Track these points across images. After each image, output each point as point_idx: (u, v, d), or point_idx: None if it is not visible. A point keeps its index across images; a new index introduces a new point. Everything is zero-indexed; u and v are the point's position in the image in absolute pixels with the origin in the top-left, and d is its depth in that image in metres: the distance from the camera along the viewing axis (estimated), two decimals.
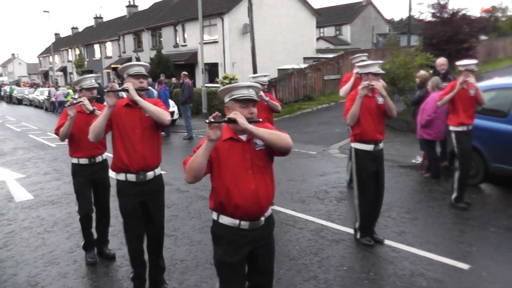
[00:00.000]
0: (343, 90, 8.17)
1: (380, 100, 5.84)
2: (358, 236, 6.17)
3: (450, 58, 15.73)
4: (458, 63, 7.40)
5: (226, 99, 3.37)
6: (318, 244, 6.19)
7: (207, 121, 3.06)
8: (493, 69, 27.30)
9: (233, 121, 3.12)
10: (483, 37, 35.31)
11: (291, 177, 9.76)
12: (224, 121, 3.11)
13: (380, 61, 6.24)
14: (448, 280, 5.09)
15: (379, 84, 5.77)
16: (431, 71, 11.99)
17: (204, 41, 24.97)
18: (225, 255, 3.38)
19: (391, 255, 5.78)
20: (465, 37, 21.94)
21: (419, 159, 10.03)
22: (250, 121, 3.21)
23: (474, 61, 7.21)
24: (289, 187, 8.98)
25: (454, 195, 7.39)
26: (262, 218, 3.41)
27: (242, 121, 3.13)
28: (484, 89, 8.55)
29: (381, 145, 5.97)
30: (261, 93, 7.17)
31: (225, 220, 3.37)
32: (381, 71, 5.96)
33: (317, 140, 14.64)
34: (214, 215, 3.44)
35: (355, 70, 7.94)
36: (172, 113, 18.30)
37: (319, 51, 38.11)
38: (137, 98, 4.48)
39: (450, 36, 21.23)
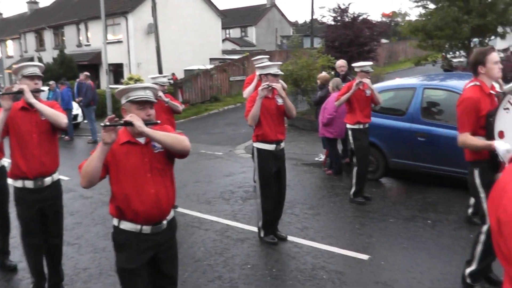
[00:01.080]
0: (247, 91, 8.19)
1: (280, 101, 5.88)
2: (262, 234, 6.18)
3: (352, 60, 16.31)
4: (353, 64, 7.68)
5: (123, 101, 3.25)
6: (223, 244, 6.14)
7: (102, 124, 2.94)
8: (394, 71, 28.62)
9: (129, 124, 3.03)
10: (384, 41, 36.96)
11: (198, 179, 9.66)
12: (120, 124, 3.01)
13: (279, 63, 6.30)
14: (348, 271, 5.22)
15: (279, 85, 5.80)
16: (332, 73, 12.34)
17: (108, 41, 24.24)
18: (126, 261, 3.27)
19: (294, 250, 5.83)
20: (366, 40, 22.83)
21: (321, 157, 10.28)
22: (148, 123, 3.12)
23: (369, 63, 7.53)
24: (196, 189, 8.87)
25: (352, 190, 7.61)
26: (164, 222, 3.34)
27: (138, 123, 3.03)
28: (383, 89, 8.93)
29: (282, 144, 6.01)
30: (161, 94, 7.03)
31: (126, 225, 3.26)
32: (280, 72, 6.00)
33: (224, 141, 14.63)
34: (115, 221, 3.32)
35: (257, 72, 8.00)
36: (75, 116, 17.57)
37: (225, 52, 38.24)
38: (33, 100, 4.26)
39: (351, 39, 22.00)
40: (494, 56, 4.36)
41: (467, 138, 4.30)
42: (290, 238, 6.17)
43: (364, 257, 5.55)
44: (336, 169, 9.39)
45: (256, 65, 6.89)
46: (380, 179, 8.90)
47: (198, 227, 6.80)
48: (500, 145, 4.04)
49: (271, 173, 5.93)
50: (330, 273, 5.15)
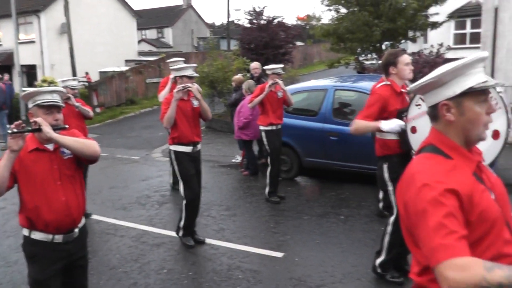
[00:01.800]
0: (162, 94, 8.13)
1: (195, 103, 5.89)
2: (180, 234, 6.14)
3: (268, 62, 16.57)
4: (265, 67, 7.80)
5: (30, 105, 3.15)
6: (139, 250, 6.05)
7: (9, 131, 2.82)
8: (309, 73, 29.38)
9: (37, 129, 2.93)
10: (299, 43, 37.79)
11: (114, 184, 9.45)
12: (28, 131, 2.90)
13: (194, 65, 6.30)
14: (263, 269, 5.32)
15: (194, 87, 5.82)
16: (248, 75, 12.51)
17: (20, 41, 23.25)
18: (38, 272, 3.17)
19: (210, 252, 5.86)
20: (281, 43, 23.28)
21: (238, 158, 10.37)
22: (55, 128, 3.04)
23: (280, 65, 7.69)
24: (111, 195, 8.67)
25: (267, 190, 7.75)
26: (76, 230, 3.27)
27: (46, 129, 2.94)
28: (297, 91, 9.16)
29: (198, 146, 6.02)
30: (72, 98, 6.84)
31: (37, 235, 3.16)
32: (195, 74, 6.02)
33: (140, 145, 14.41)
34: (25, 231, 3.20)
35: (172, 74, 7.95)
36: None
37: (141, 53, 37.58)
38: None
39: (267, 42, 22.36)
40: (405, 58, 4.59)
41: (357, 122, 4.47)
42: (207, 240, 6.18)
43: (279, 254, 5.67)
44: (252, 170, 9.52)
45: (171, 67, 6.85)
46: (295, 178, 9.12)
47: (113, 234, 6.66)
48: (385, 124, 4.29)
49: (192, 174, 5.93)
50: (246, 273, 5.22)
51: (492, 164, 4.86)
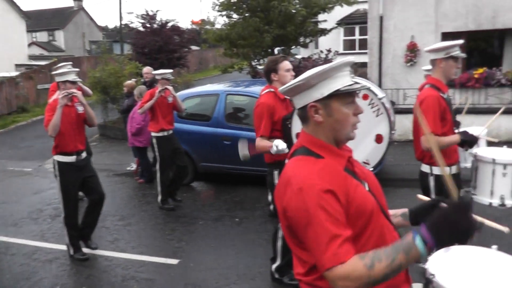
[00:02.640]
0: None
1: (80, 109, 5.76)
2: (71, 252, 6.02)
3: (163, 67, 16.48)
4: (154, 72, 7.79)
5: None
6: (31, 267, 5.84)
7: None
8: (204, 77, 29.41)
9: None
10: (194, 48, 37.71)
11: (4, 199, 9.01)
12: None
13: (76, 69, 6.13)
14: (158, 277, 5.36)
15: (79, 93, 5.71)
16: (142, 80, 12.41)
17: None
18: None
19: (105, 264, 5.81)
20: (176, 47, 23.19)
21: (133, 166, 10.27)
22: None
23: (170, 70, 7.71)
24: (2, 211, 8.25)
25: (159, 198, 7.76)
26: (83, 154, 3.17)
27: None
28: (190, 96, 9.25)
29: (83, 154, 5.87)
30: None
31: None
32: (78, 79, 5.89)
33: (32, 156, 13.77)
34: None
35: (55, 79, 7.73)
36: None
37: (32, 57, 35.83)
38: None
39: (161, 46, 22.19)
40: (286, 64, 4.67)
41: (259, 141, 4.60)
42: (101, 252, 6.11)
43: (174, 261, 5.74)
44: (147, 177, 9.48)
45: (53, 73, 6.66)
46: (191, 183, 9.20)
47: (4, 253, 6.37)
48: (279, 144, 4.38)
49: (73, 187, 5.81)
50: (141, 282, 5.24)
51: (378, 165, 5.26)
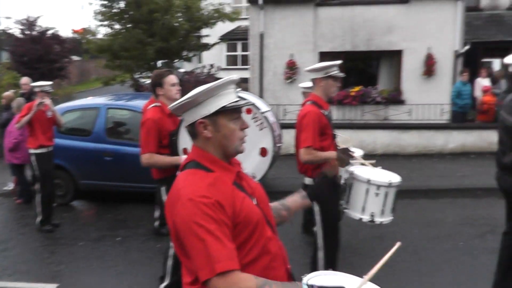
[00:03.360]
0: None
1: None
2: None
3: (44, 78, 15.73)
4: (32, 84, 7.41)
5: None
6: None
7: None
8: (86, 90, 28.34)
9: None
10: (76, 58, 36.27)
11: None
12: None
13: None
14: None
15: None
16: (20, 91, 11.72)
17: None
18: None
19: None
20: (56, 57, 22.26)
21: (11, 186, 9.65)
22: None
23: (49, 83, 7.33)
24: None
25: (39, 219, 7.35)
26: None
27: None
28: (69, 109, 8.91)
29: None
30: None
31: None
32: None
33: None
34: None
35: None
36: None
37: None
38: None
39: (41, 55, 21.24)
40: (171, 79, 4.68)
41: (151, 157, 4.52)
42: None
43: (52, 286, 5.52)
44: (26, 197, 8.95)
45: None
46: (71, 202, 8.85)
47: None
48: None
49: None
50: None
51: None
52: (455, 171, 10.51)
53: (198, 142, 2.08)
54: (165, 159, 4.55)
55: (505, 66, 4.69)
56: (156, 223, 7.04)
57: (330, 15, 14.43)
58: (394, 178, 4.44)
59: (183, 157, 4.41)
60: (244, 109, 5.21)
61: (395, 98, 14.38)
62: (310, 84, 4.97)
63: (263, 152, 5.59)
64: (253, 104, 5.38)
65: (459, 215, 7.82)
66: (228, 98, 2.03)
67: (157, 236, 6.88)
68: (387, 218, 4.41)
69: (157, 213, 6.90)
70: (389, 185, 4.32)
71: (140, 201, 8.37)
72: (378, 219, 4.35)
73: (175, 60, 17.83)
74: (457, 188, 9.26)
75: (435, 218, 7.64)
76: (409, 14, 14.14)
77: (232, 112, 2.04)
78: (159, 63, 17.13)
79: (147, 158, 4.54)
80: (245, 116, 5.11)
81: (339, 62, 4.51)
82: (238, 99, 2.07)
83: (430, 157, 12.01)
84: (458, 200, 8.72)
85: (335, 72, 4.44)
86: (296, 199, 2.51)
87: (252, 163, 5.41)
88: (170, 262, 4.78)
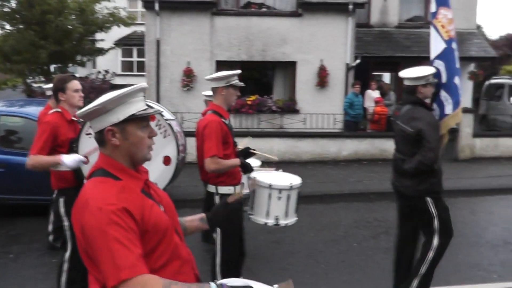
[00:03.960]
0: None
1: None
2: None
3: None
4: None
5: None
6: None
7: None
8: None
9: None
10: None
11: None
12: None
13: None
14: None
15: None
16: None
17: None
18: None
19: None
20: None
21: None
22: None
23: None
24: None
25: None
26: None
27: None
28: None
29: None
30: None
31: None
32: None
33: None
34: None
35: None
36: None
37: None
38: None
39: None
40: (75, 84, 4.51)
41: (35, 158, 4.27)
42: None
43: None
44: None
45: None
46: None
47: None
48: (66, 159, 4.21)
49: None
50: None
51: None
52: (349, 176, 11.09)
53: (106, 150, 2.06)
54: (47, 159, 4.28)
55: (401, 79, 5.04)
56: (50, 237, 6.68)
57: (227, 24, 14.67)
58: (295, 180, 4.61)
59: (65, 156, 4.26)
60: None
61: (290, 108, 14.89)
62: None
63: (167, 160, 5.55)
64: (161, 114, 5.35)
65: (353, 218, 8.27)
66: (137, 106, 2.04)
67: (52, 251, 6.54)
68: (291, 220, 4.56)
69: (50, 227, 6.57)
70: (291, 188, 4.48)
71: (36, 214, 7.91)
72: (282, 222, 4.49)
73: (69, 65, 17.19)
74: (350, 192, 9.78)
75: (330, 222, 8.03)
76: (302, 27, 14.74)
77: (141, 120, 2.05)
78: (52, 67, 16.42)
79: (31, 159, 4.30)
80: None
81: (239, 71, 4.61)
82: (147, 107, 2.09)
83: (325, 164, 12.58)
84: (352, 204, 9.22)
85: (236, 81, 4.53)
86: (194, 220, 2.52)
87: (155, 172, 5.35)
88: (64, 277, 4.59)
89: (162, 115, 5.73)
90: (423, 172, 4.49)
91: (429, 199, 4.59)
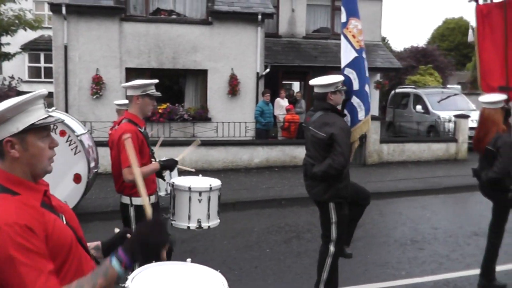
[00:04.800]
0: None
1: None
2: None
3: None
4: None
5: None
6: None
7: None
8: None
9: None
10: None
11: None
12: None
13: None
14: None
15: None
16: None
17: None
18: None
19: None
20: None
21: None
22: None
23: None
24: None
25: None
26: None
27: None
28: None
29: None
30: None
31: None
32: None
33: None
34: None
35: None
36: None
37: None
38: None
39: None
40: None
41: None
42: None
43: None
44: None
45: None
46: None
47: None
48: None
49: None
50: None
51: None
52: (261, 183, 11.25)
53: (4, 163, 1.89)
54: None
55: (310, 88, 5.21)
56: None
57: (136, 31, 14.44)
58: (214, 182, 4.64)
59: None
60: (57, 131, 4.94)
61: (201, 116, 14.90)
62: (125, 101, 4.95)
63: (77, 178, 5.38)
64: (63, 121, 5.17)
65: (266, 224, 8.39)
66: (37, 114, 1.89)
67: None
68: (214, 222, 4.57)
69: None
70: (210, 189, 4.49)
71: None
72: (205, 224, 4.49)
73: None
74: (263, 199, 9.91)
75: (243, 229, 8.10)
76: (213, 35, 14.82)
77: (41, 129, 1.91)
78: None
79: None
80: (59, 139, 4.86)
81: (156, 81, 4.58)
82: (47, 115, 1.94)
83: (237, 172, 12.67)
84: (264, 210, 9.35)
85: (152, 90, 4.49)
86: (92, 254, 2.27)
87: (65, 190, 5.18)
88: None
89: (73, 131, 5.56)
90: (331, 177, 4.60)
91: (332, 204, 4.71)
